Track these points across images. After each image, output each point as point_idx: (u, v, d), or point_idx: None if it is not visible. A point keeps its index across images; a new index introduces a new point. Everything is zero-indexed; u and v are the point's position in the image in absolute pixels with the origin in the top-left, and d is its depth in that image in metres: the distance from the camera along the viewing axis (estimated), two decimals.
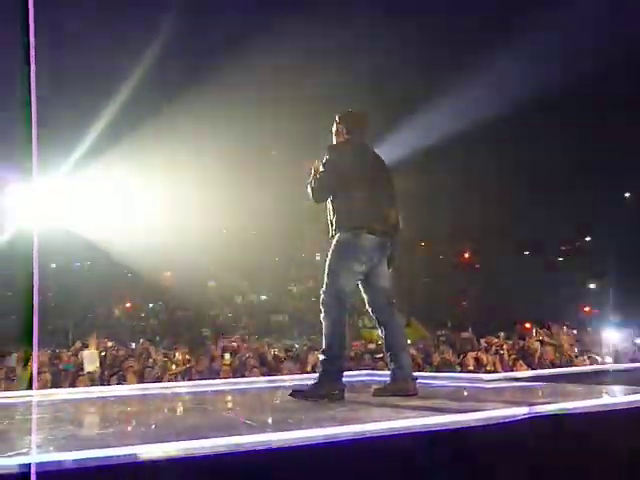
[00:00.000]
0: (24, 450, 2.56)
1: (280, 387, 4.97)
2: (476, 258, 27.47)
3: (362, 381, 5.30)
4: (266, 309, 21.36)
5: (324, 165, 3.92)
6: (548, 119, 23.59)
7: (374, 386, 4.09)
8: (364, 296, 4.05)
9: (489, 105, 18.47)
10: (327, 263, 3.89)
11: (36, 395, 5.04)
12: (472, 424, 2.68)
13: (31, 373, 7.28)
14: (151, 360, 8.95)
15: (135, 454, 2.29)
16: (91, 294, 19.14)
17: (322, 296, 3.85)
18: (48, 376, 7.33)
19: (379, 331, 4.04)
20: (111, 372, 7.90)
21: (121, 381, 7.31)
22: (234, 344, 10.82)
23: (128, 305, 20.75)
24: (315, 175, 3.94)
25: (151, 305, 20.54)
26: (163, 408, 4.29)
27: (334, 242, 3.90)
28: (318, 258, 25.03)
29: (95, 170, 18.17)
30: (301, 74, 22.29)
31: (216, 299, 21.67)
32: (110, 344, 11.02)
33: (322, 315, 3.86)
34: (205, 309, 20.89)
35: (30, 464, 2.17)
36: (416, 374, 4.10)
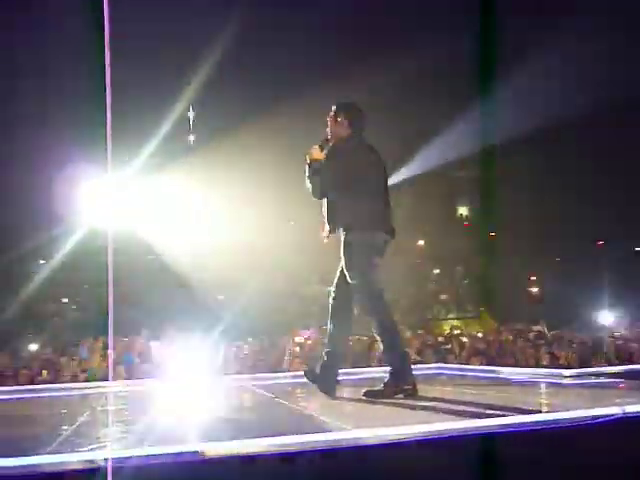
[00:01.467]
0: (101, 444, 2.59)
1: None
2: (551, 250, 26.66)
3: (435, 374, 5.20)
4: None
5: (328, 161, 3.86)
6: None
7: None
8: (333, 288, 3.98)
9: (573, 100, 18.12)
10: (349, 266, 3.81)
11: (111, 386, 5.14)
12: (558, 424, 2.53)
13: (105, 363, 7.46)
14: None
15: (226, 448, 2.28)
16: (160, 289, 19.58)
17: (359, 302, 3.79)
18: (122, 367, 7.50)
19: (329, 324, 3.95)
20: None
21: None
22: (307, 335, 10.77)
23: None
24: (310, 164, 3.91)
25: (220, 297, 20.83)
26: (238, 400, 4.31)
27: (348, 243, 3.82)
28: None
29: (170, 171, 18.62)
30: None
31: (285, 289, 21.80)
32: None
33: (369, 319, 3.78)
34: (274, 299, 21.07)
35: (107, 459, 2.17)
36: (490, 368, 3.97)
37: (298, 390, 4.14)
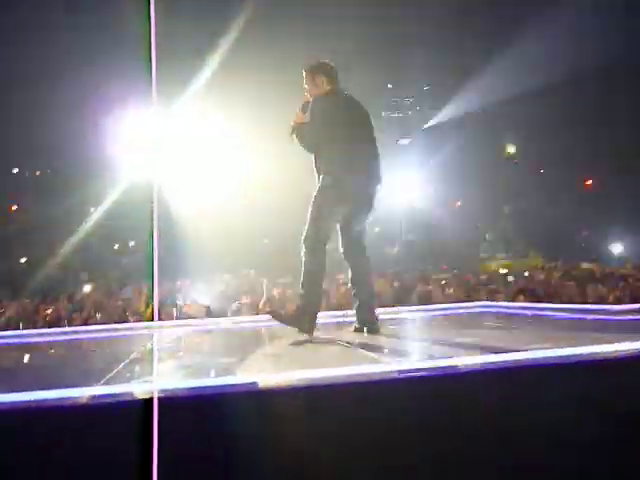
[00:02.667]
0: (148, 378, 2.68)
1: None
2: (601, 187, 25.93)
3: (480, 312, 5.18)
4: (380, 241, 21.33)
5: (313, 115, 3.95)
6: None
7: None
8: (339, 238, 4.10)
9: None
10: (311, 206, 3.92)
11: (158, 326, 5.29)
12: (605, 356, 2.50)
13: (151, 305, 7.65)
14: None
15: (255, 382, 2.33)
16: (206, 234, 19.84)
17: (303, 236, 3.91)
18: (168, 308, 7.69)
19: (349, 271, 4.12)
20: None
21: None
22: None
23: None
24: (298, 125, 4.01)
25: (266, 241, 21.06)
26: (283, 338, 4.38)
27: (318, 186, 3.94)
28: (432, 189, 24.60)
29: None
30: None
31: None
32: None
33: (302, 254, 3.92)
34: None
35: (153, 391, 2.24)
36: (533, 305, 3.95)
37: (346, 329, 4.17)
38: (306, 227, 3.93)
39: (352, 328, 4.06)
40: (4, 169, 25.06)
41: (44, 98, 23.98)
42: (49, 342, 5.11)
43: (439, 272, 13.16)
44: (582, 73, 20.16)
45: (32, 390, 2.30)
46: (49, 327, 7.17)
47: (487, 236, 23.94)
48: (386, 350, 3.36)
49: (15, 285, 17.05)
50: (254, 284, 10.47)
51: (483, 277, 11.79)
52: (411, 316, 5.46)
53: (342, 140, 3.91)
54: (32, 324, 7.44)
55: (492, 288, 9.02)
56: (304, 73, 4.19)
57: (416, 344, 3.75)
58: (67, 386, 2.40)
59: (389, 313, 5.32)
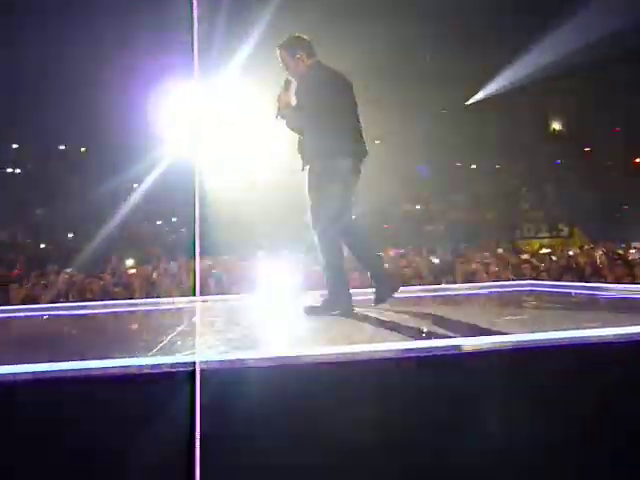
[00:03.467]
0: (191, 350, 2.71)
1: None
2: None
3: (528, 291, 5.10)
4: (420, 219, 21.17)
5: (301, 96, 3.84)
6: None
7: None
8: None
9: None
10: (309, 195, 3.86)
11: (201, 300, 5.35)
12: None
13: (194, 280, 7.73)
14: None
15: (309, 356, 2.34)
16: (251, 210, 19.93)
17: (312, 222, 3.87)
18: (212, 282, 7.77)
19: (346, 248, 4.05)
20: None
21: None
22: (395, 253, 10.76)
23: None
24: (284, 106, 3.89)
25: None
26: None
27: (309, 172, 3.86)
28: (474, 167, 24.25)
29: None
30: None
31: (374, 209, 21.78)
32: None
33: (319, 248, 3.88)
34: (363, 219, 21.07)
35: (195, 362, 2.27)
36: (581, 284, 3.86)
37: (389, 305, 4.15)
38: (310, 216, 3.88)
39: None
40: (54, 145, 25.60)
41: (89, 75, 24.31)
42: (96, 314, 5.22)
43: (481, 250, 12.99)
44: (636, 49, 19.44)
45: (77, 360, 2.35)
46: (95, 300, 7.35)
47: (530, 214, 23.51)
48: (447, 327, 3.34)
49: (63, 259, 17.47)
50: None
51: (525, 256, 11.62)
52: (456, 294, 5.41)
53: (333, 120, 3.81)
54: (80, 297, 7.62)
55: (536, 267, 8.87)
56: (279, 52, 4.02)
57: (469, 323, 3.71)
58: (113, 357, 2.45)
59: (431, 291, 5.30)
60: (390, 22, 24.11)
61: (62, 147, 24.75)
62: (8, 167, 23.27)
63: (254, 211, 19.75)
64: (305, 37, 4.05)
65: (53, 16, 22.51)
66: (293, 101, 3.93)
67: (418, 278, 7.29)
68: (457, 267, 7.80)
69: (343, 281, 3.92)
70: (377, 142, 26.04)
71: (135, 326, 4.47)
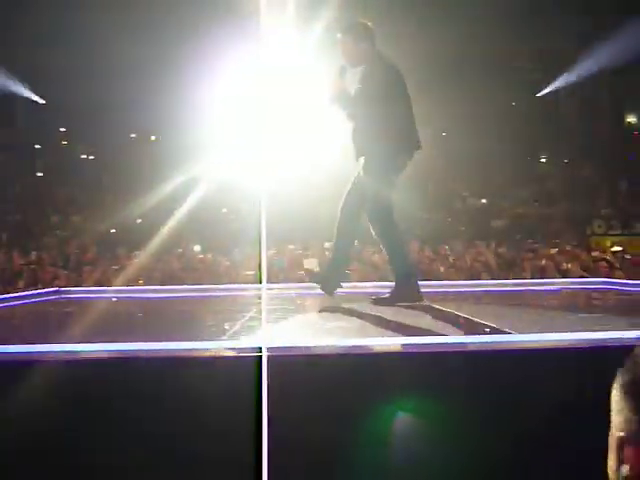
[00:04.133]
0: (256, 336, 2.75)
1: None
2: None
3: (601, 289, 4.97)
4: (486, 214, 20.76)
5: (368, 87, 3.81)
6: None
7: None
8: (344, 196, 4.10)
9: None
10: (369, 177, 3.85)
11: (265, 288, 5.40)
12: None
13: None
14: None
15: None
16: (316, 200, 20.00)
17: (371, 213, 3.88)
18: (274, 269, 7.82)
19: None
20: None
21: None
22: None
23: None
24: (338, 94, 3.87)
25: None
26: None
27: (369, 161, 3.85)
28: (544, 160, 23.62)
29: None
30: None
31: (433, 202, 21.51)
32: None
33: (375, 232, 3.92)
34: (424, 213, 20.86)
35: (261, 348, 2.30)
36: None
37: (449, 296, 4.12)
38: (373, 211, 3.89)
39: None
40: (126, 132, 26.35)
41: (153, 64, 24.95)
42: (164, 298, 5.36)
43: (550, 246, 12.66)
44: None
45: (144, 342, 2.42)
46: (162, 284, 7.55)
47: (602, 211, 22.73)
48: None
49: (131, 243, 17.99)
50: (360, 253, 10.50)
51: (596, 253, 11.27)
52: (526, 289, 5.31)
53: (397, 112, 3.83)
54: (148, 280, 7.84)
55: (608, 265, 8.59)
56: (341, 37, 3.97)
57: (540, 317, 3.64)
58: (180, 341, 2.51)
59: (500, 285, 5.21)
60: (459, 13, 23.75)
61: (133, 135, 25.46)
62: (83, 153, 24.10)
63: (321, 201, 19.86)
64: (370, 25, 4.00)
65: (127, 12, 23.19)
66: (348, 88, 3.90)
67: (486, 272, 7.18)
68: (525, 263, 7.62)
69: (409, 272, 3.92)
70: (444, 134, 25.76)
71: (203, 311, 4.57)
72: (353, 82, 3.89)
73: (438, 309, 3.73)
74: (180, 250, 12.44)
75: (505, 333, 2.68)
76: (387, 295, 3.94)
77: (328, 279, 4.18)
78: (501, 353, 2.30)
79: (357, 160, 3.97)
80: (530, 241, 13.27)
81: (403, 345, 2.41)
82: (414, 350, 2.34)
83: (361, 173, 3.92)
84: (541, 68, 25.23)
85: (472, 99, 25.52)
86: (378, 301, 3.93)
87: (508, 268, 7.95)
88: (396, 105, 3.83)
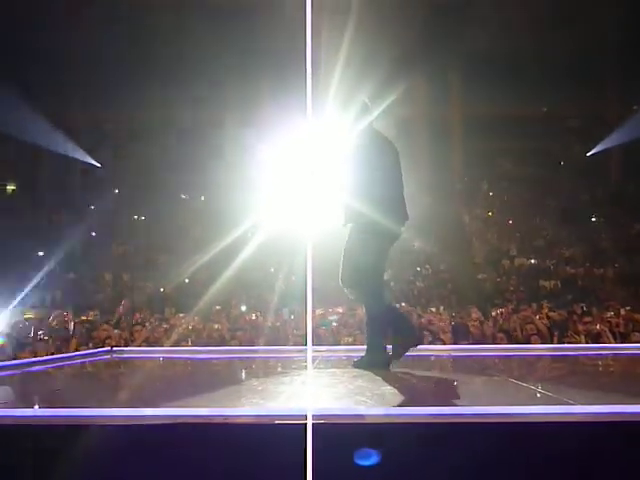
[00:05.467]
0: (306, 401, 2.74)
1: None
2: None
3: None
4: (535, 274, 20.38)
5: (356, 157, 3.94)
6: None
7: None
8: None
9: None
10: (360, 248, 3.93)
11: (313, 350, 5.39)
12: None
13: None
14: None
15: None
16: None
17: (362, 283, 3.95)
18: (322, 331, 7.81)
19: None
20: None
21: None
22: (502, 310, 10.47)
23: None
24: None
25: (418, 269, 20.87)
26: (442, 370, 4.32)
27: (358, 231, 3.94)
28: (594, 219, 23.21)
29: None
30: None
31: (482, 263, 21.26)
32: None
33: (363, 302, 4.08)
34: (471, 272, 20.64)
35: (306, 414, 2.29)
36: None
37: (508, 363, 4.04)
38: (362, 278, 3.93)
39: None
40: (174, 195, 27.04)
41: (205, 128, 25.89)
42: (210, 359, 5.39)
43: (604, 309, 12.29)
44: None
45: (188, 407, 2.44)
46: (210, 344, 7.61)
47: None
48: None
49: (180, 303, 18.26)
50: None
51: None
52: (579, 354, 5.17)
53: (382, 186, 3.91)
54: (196, 340, 7.91)
55: None
56: (362, 101, 4.14)
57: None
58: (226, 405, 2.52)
59: (551, 350, 5.09)
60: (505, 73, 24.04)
61: (184, 196, 26.15)
62: (134, 214, 24.83)
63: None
64: (370, 103, 4.19)
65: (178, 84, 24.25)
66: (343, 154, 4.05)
67: (537, 335, 7.01)
68: (578, 326, 7.42)
69: (380, 343, 3.99)
70: (491, 194, 25.67)
71: (247, 373, 4.57)
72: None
73: (487, 377, 3.66)
74: (228, 310, 12.54)
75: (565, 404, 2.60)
76: (358, 359, 4.00)
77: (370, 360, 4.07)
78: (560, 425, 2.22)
79: (345, 226, 4.07)
80: (582, 303, 12.92)
81: (451, 415, 2.35)
82: (463, 421, 2.28)
83: (352, 239, 4.01)
84: (591, 128, 25.15)
85: (520, 158, 25.54)
86: (355, 364, 4.00)
87: (560, 331, 7.74)
88: (386, 178, 3.96)
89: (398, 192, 4.03)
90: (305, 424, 2.22)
